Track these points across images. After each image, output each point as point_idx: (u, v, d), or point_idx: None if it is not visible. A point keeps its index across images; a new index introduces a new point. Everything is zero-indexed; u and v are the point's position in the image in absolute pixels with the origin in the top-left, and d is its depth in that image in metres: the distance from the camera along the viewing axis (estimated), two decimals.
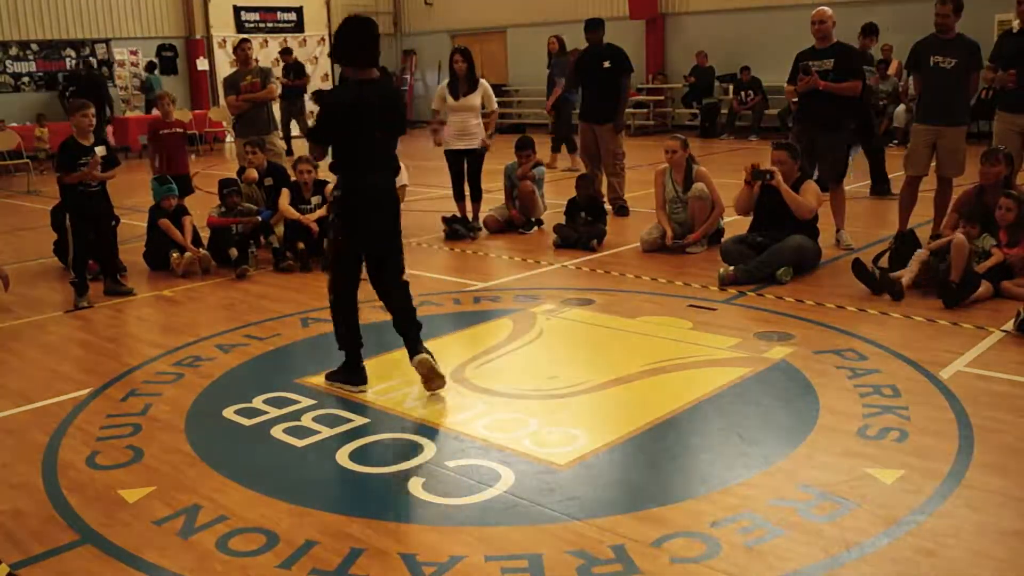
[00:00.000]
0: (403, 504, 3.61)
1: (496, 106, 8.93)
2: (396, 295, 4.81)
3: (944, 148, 7.29)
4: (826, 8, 7.54)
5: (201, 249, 7.72)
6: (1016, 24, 7.20)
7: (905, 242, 6.69)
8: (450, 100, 8.64)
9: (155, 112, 9.07)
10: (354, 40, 4.55)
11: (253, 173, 8.37)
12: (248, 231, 7.89)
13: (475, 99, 8.63)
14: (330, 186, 8.20)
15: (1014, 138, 7.14)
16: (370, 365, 5.22)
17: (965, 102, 7.41)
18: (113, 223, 7.19)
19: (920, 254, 6.20)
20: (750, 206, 7.08)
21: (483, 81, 8.79)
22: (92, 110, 6.88)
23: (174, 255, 7.59)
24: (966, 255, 5.92)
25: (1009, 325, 5.43)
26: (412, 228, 9.30)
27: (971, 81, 7.26)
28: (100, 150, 6.81)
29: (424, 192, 11.32)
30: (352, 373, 4.89)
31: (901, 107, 14.55)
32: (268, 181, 8.39)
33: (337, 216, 4.71)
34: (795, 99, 7.73)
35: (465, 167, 8.82)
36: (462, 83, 8.61)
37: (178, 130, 8.52)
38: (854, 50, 7.40)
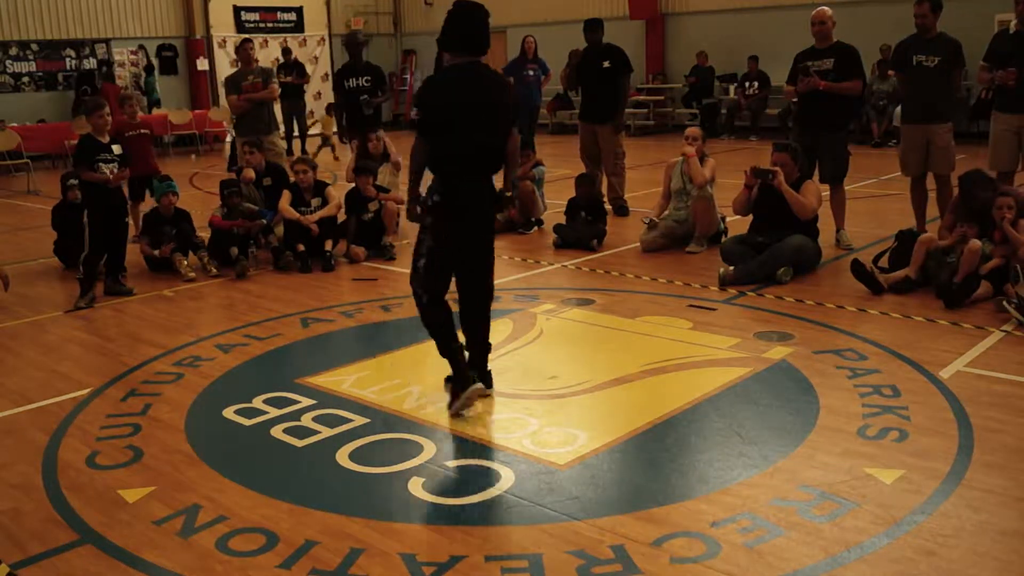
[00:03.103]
0: (403, 504, 3.60)
1: None
2: (479, 305, 4.60)
3: (934, 146, 7.33)
4: (826, 8, 7.55)
5: (205, 254, 7.72)
6: (1014, 24, 7.20)
7: (906, 241, 6.69)
8: None
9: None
10: (460, 27, 4.31)
11: (250, 173, 8.37)
12: (249, 232, 7.88)
13: None
14: (331, 187, 8.24)
15: (1011, 138, 7.15)
16: (370, 365, 5.24)
17: (950, 99, 7.47)
18: (125, 220, 7.18)
19: (917, 256, 6.21)
20: (748, 207, 7.09)
21: None
22: (108, 110, 7.00)
23: (180, 260, 7.56)
24: (977, 261, 5.93)
25: (1009, 325, 5.43)
26: (412, 228, 9.28)
27: (955, 78, 7.33)
28: (116, 148, 6.92)
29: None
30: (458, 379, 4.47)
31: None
32: (267, 181, 8.39)
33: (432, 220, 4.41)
34: (795, 99, 7.75)
35: None
36: None
37: (144, 131, 8.61)
38: (854, 50, 7.42)
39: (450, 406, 4.43)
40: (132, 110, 8.67)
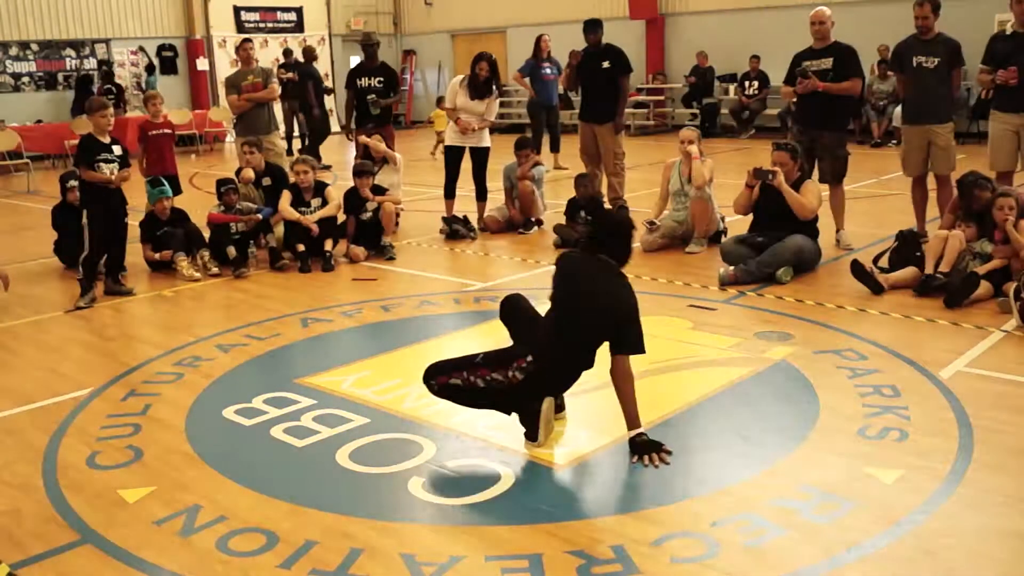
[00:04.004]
0: (403, 504, 3.60)
1: (494, 117, 9.03)
2: None
3: (936, 146, 7.36)
4: (825, 8, 7.55)
5: (206, 253, 7.71)
6: (1011, 25, 7.21)
7: (906, 241, 6.69)
8: (460, 100, 8.71)
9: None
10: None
11: (249, 173, 8.36)
12: (248, 230, 7.88)
13: (482, 105, 8.78)
14: (330, 187, 8.24)
15: (1010, 138, 7.15)
16: (370, 365, 5.24)
17: (950, 99, 7.52)
18: (124, 220, 7.16)
19: (912, 270, 6.28)
20: (749, 207, 7.10)
21: (495, 89, 8.86)
22: (111, 110, 6.98)
23: (181, 260, 7.55)
24: (957, 250, 5.97)
25: (1009, 325, 5.43)
26: (412, 228, 9.31)
27: (954, 79, 7.38)
28: (116, 149, 6.90)
29: (424, 192, 11.32)
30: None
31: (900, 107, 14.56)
32: (267, 181, 8.39)
33: None
34: (794, 99, 7.75)
35: (469, 165, 8.84)
36: (479, 89, 8.71)
37: (167, 131, 8.59)
38: (852, 49, 7.43)
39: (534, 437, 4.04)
40: (156, 109, 8.66)
